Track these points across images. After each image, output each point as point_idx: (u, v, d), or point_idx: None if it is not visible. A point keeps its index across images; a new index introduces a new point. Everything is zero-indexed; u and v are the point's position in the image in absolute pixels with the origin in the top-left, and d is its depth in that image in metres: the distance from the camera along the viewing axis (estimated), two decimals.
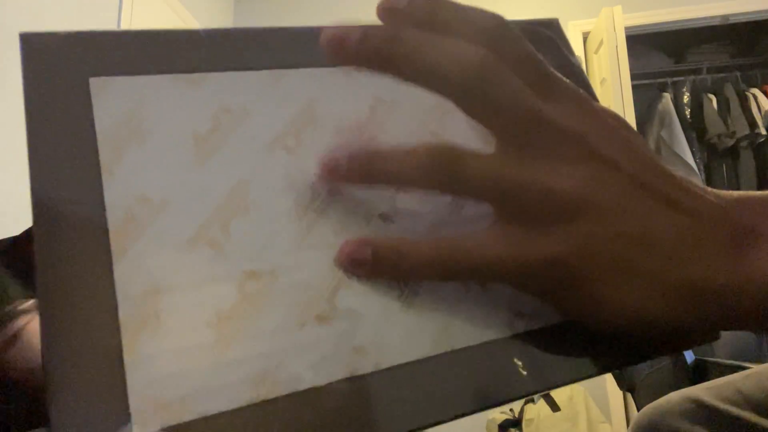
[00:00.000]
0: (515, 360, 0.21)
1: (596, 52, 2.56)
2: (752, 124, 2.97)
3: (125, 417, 0.17)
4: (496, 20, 0.21)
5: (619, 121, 0.23)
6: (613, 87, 2.32)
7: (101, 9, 2.07)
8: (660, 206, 0.21)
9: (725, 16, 2.65)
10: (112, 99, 0.22)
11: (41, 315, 0.17)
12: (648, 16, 2.67)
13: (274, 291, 0.20)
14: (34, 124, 0.20)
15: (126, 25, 2.16)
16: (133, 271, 0.19)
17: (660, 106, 3.11)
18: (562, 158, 0.20)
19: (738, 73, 3.20)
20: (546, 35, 0.30)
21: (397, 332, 0.20)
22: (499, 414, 2.09)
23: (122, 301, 0.18)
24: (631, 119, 2.33)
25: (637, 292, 0.20)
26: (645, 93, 3.15)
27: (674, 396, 0.56)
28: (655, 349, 0.23)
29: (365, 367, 0.19)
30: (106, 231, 0.19)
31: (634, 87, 2.45)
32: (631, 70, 2.40)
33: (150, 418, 0.17)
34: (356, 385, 0.19)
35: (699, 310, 0.21)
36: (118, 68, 0.22)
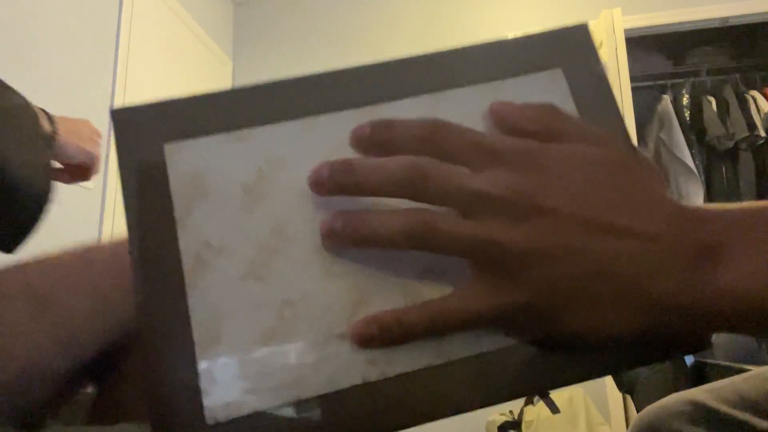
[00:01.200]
0: (513, 362, 0.25)
1: None
2: (751, 126, 2.97)
3: (200, 411, 0.23)
4: (428, 125, 0.26)
5: (575, 159, 0.25)
6: (612, 89, 2.32)
7: (101, 9, 2.07)
8: (611, 238, 0.23)
9: (724, 18, 2.65)
10: (181, 161, 0.27)
11: (140, 334, 0.24)
12: (647, 18, 2.67)
13: (305, 314, 0.25)
14: (127, 189, 0.26)
15: (126, 24, 2.16)
16: (202, 302, 0.25)
17: (659, 108, 3.11)
18: (510, 216, 0.24)
19: (737, 75, 3.20)
20: (574, 41, 0.31)
21: (403, 346, 0.25)
22: (498, 416, 2.09)
23: (195, 326, 0.24)
24: (630, 121, 2.33)
25: (606, 317, 0.23)
26: (644, 95, 3.15)
27: (674, 398, 0.56)
28: (645, 355, 0.26)
29: (374, 375, 0.24)
30: (181, 271, 0.25)
31: (633, 89, 2.45)
32: (630, 72, 2.40)
33: (217, 412, 0.23)
34: (368, 389, 0.24)
35: (674, 323, 0.23)
36: (184, 132, 0.27)
